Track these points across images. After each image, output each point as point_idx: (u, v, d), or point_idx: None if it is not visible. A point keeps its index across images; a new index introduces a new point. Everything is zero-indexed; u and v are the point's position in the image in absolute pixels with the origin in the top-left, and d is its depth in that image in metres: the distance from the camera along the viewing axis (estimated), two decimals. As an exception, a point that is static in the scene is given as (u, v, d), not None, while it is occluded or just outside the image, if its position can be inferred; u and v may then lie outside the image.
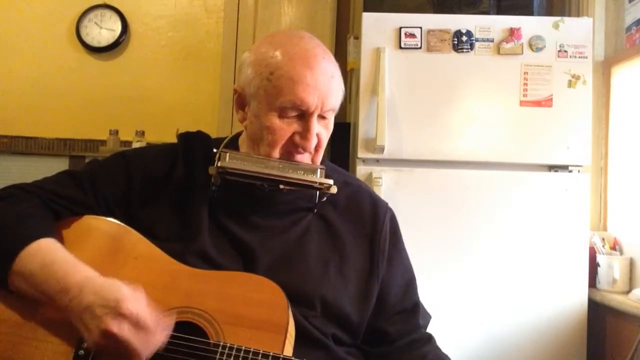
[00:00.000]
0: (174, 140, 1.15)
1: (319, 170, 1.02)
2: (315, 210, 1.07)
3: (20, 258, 0.91)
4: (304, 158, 1.03)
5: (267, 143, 1.01)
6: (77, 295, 0.87)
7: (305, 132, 0.99)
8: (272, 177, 1.00)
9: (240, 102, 1.06)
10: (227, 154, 1.01)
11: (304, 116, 0.99)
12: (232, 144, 1.11)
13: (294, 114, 0.99)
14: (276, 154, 1.01)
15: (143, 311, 0.85)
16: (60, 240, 0.99)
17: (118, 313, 0.84)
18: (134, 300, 0.85)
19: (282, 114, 0.99)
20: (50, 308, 0.91)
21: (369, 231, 1.09)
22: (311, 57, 0.98)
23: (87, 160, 2.83)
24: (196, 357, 0.89)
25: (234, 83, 1.09)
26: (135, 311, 0.84)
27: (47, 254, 0.92)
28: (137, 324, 0.84)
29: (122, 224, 1.02)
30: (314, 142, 1.00)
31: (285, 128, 0.99)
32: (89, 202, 1.04)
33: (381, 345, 1.06)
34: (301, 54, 0.98)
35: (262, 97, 0.99)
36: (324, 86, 0.98)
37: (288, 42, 1.00)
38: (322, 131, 1.03)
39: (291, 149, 1.01)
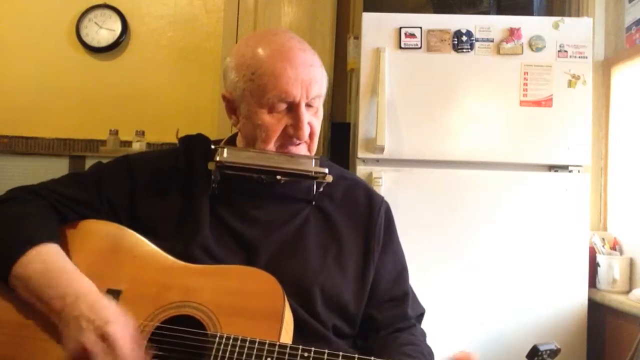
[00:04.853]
0: (174, 140, 1.18)
1: (313, 160, 1.05)
2: (314, 203, 1.09)
3: (21, 262, 0.92)
4: (300, 149, 1.06)
5: (262, 140, 1.04)
6: (72, 303, 0.89)
7: (296, 122, 1.03)
8: (269, 169, 1.03)
9: (230, 107, 1.09)
10: (225, 149, 1.04)
11: (292, 108, 1.03)
12: (230, 142, 1.15)
13: (282, 107, 1.02)
14: (271, 148, 1.04)
15: (124, 340, 0.86)
16: (63, 243, 1.00)
17: (101, 332, 0.85)
18: (122, 326, 0.87)
19: (271, 110, 1.02)
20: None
21: (365, 222, 1.11)
22: (288, 50, 1.02)
23: (87, 160, 2.89)
24: (194, 349, 0.90)
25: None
26: (117, 336, 0.85)
27: (47, 261, 0.94)
28: (112, 349, 0.85)
29: (122, 225, 1.04)
30: (306, 130, 1.04)
31: (277, 123, 1.03)
32: (94, 203, 1.06)
33: (369, 334, 1.08)
34: (278, 49, 1.02)
35: (249, 98, 1.03)
36: (306, 75, 1.02)
37: (264, 41, 1.04)
38: (312, 119, 1.06)
39: (286, 141, 1.05)
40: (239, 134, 1.13)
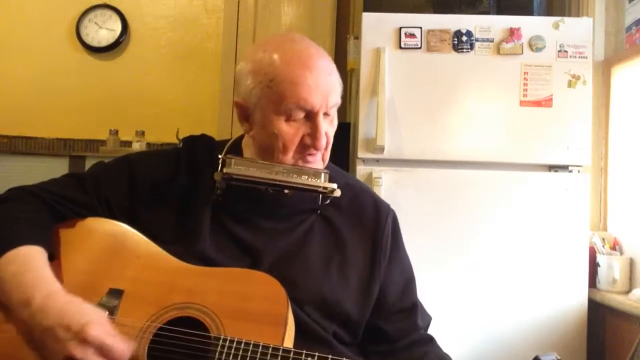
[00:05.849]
0: (174, 140, 1.16)
1: (322, 174, 1.03)
2: (319, 212, 1.08)
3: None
4: (317, 158, 1.04)
5: (279, 149, 1.01)
6: (38, 311, 0.86)
7: (314, 132, 1.00)
8: (277, 183, 1.01)
9: (244, 113, 1.05)
10: (233, 160, 1.01)
11: (310, 117, 1.00)
12: (235, 147, 1.11)
13: (300, 115, 1.00)
14: (289, 159, 1.02)
15: (107, 336, 0.84)
16: (63, 241, 0.99)
17: (82, 339, 0.83)
18: (99, 325, 0.84)
19: (288, 118, 0.99)
20: None
21: (371, 232, 1.09)
22: (307, 57, 1.00)
23: (87, 160, 2.89)
24: (197, 351, 0.89)
25: (234, 86, 1.09)
26: (99, 337, 0.83)
27: (23, 263, 0.91)
28: (101, 350, 0.83)
29: (125, 225, 1.03)
30: (324, 140, 1.02)
31: (294, 132, 1.00)
32: (92, 205, 1.04)
33: (382, 344, 1.07)
34: (297, 56, 0.99)
35: (265, 105, 1.00)
36: (325, 84, 0.99)
37: (281, 47, 1.01)
38: (328, 128, 1.04)
39: (303, 151, 1.02)
40: (248, 139, 1.10)
